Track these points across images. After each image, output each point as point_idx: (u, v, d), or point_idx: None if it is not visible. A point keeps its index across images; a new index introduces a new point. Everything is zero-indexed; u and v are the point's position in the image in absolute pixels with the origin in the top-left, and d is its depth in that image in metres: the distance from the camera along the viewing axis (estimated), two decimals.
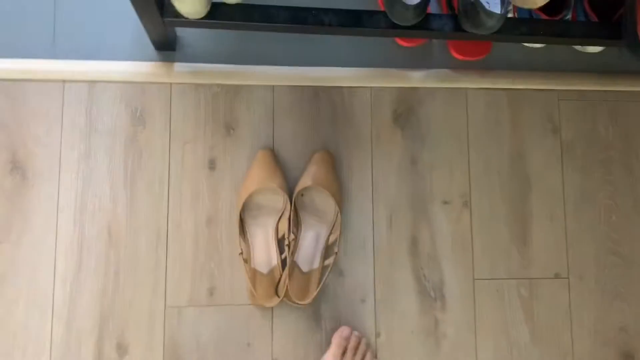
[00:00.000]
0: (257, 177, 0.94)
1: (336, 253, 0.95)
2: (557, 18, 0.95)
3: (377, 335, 0.97)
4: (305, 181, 0.95)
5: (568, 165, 1.05)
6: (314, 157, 0.98)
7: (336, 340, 0.93)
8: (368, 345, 0.96)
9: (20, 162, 0.94)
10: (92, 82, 0.97)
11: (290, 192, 0.96)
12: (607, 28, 0.94)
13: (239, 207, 0.93)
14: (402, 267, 0.99)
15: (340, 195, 0.98)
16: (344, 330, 0.93)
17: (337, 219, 0.96)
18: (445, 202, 1.01)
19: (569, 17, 0.96)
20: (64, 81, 0.97)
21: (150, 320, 0.93)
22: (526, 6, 0.72)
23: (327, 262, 0.96)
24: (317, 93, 1.02)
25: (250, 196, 0.94)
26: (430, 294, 0.99)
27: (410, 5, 0.82)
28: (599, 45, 0.98)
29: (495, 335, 0.99)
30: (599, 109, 1.07)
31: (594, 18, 0.96)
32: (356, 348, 0.94)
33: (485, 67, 1.05)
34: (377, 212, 1.00)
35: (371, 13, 0.89)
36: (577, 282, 1.02)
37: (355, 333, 0.94)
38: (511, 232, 1.02)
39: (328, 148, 1.00)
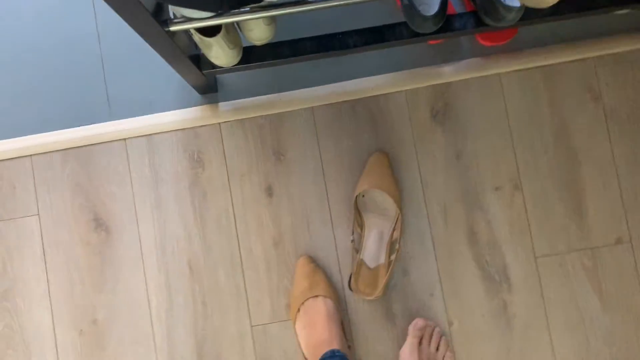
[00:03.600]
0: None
1: (398, 249, 1.01)
2: None
3: (450, 324, 1.03)
4: (362, 185, 1.01)
5: (614, 131, 1.05)
6: (369, 160, 1.03)
7: (412, 331, 0.99)
8: (442, 333, 1.01)
9: (102, 219, 1.05)
10: (149, 136, 1.06)
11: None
12: None
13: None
14: (463, 257, 1.04)
15: (397, 192, 1.02)
16: (418, 322, 0.99)
17: (397, 216, 1.01)
18: (497, 189, 1.04)
19: None
20: (124, 139, 1.06)
21: (240, 340, 1.03)
22: (538, 6, 0.74)
23: (392, 257, 1.01)
24: (353, 106, 1.06)
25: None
26: (495, 278, 1.03)
27: (429, 16, 0.85)
28: (626, 8, 0.97)
29: (565, 309, 1.02)
30: (637, 69, 1.06)
31: None
32: (431, 336, 0.99)
33: (515, 49, 1.06)
34: (430, 209, 1.05)
35: (392, 26, 0.92)
36: None
37: (430, 322, 1.00)
38: (566, 206, 1.04)
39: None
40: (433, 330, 1.00)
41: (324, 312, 0.94)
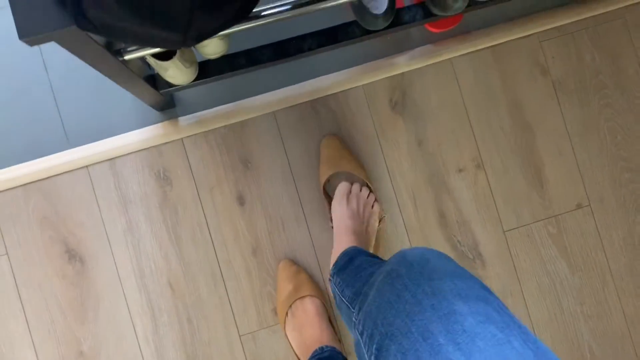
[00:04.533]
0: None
1: (382, 218, 1.02)
2: None
3: None
4: (323, 172, 1.02)
5: (564, 101, 1.10)
6: (320, 148, 1.05)
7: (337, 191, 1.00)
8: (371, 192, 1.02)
9: (74, 249, 1.03)
10: (111, 160, 1.04)
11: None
12: None
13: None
14: (436, 239, 1.07)
15: (360, 166, 1.04)
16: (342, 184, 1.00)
17: (369, 188, 1.03)
18: (460, 170, 1.08)
19: None
20: (86, 166, 1.04)
21: (231, 351, 1.04)
22: None
23: (380, 225, 1.03)
24: (314, 106, 1.07)
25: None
26: (469, 256, 1.07)
27: (379, 14, 0.86)
28: None
29: (536, 276, 1.07)
30: (579, 39, 1.11)
31: None
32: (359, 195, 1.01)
33: (463, 32, 1.09)
34: (400, 197, 1.07)
35: (345, 26, 0.93)
36: (599, 206, 1.09)
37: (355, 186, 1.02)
38: (527, 179, 1.09)
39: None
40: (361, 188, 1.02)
41: (312, 312, 0.96)
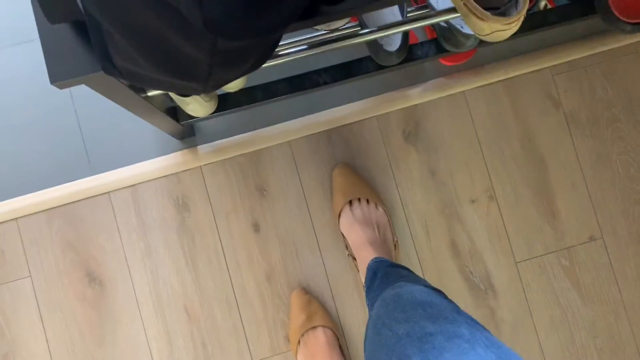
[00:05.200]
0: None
1: (396, 243, 1.03)
2: (530, 10, 0.99)
3: None
4: (337, 201, 1.04)
5: (576, 134, 1.11)
6: (333, 177, 1.07)
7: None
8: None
9: (94, 273, 1.06)
10: (132, 186, 1.08)
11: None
12: (581, 6, 0.98)
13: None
14: (448, 270, 1.08)
15: (374, 193, 1.06)
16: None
17: (387, 216, 1.04)
18: (473, 201, 1.09)
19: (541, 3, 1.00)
20: (108, 192, 1.08)
21: None
22: (494, 41, 0.78)
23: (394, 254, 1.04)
24: (329, 136, 1.10)
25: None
26: (480, 287, 1.08)
27: (393, 51, 0.89)
28: (578, 23, 1.03)
29: (548, 307, 1.08)
30: (592, 73, 1.12)
31: None
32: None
33: (476, 65, 1.11)
34: (412, 227, 1.09)
35: (359, 61, 0.96)
36: (612, 238, 1.09)
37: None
38: (539, 211, 1.09)
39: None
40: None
41: (324, 342, 0.98)
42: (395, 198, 1.09)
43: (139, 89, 0.75)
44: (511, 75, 1.11)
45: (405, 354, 0.52)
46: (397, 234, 1.08)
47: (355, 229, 0.99)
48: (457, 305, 0.62)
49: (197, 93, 0.53)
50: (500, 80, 1.11)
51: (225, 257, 1.07)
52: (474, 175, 1.10)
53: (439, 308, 0.59)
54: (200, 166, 1.09)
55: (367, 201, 1.02)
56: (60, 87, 0.59)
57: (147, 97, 0.77)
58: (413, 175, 1.10)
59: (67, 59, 0.57)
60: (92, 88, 0.63)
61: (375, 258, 0.92)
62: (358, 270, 0.99)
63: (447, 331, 0.52)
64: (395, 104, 1.10)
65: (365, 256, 0.95)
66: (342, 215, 1.02)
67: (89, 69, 0.57)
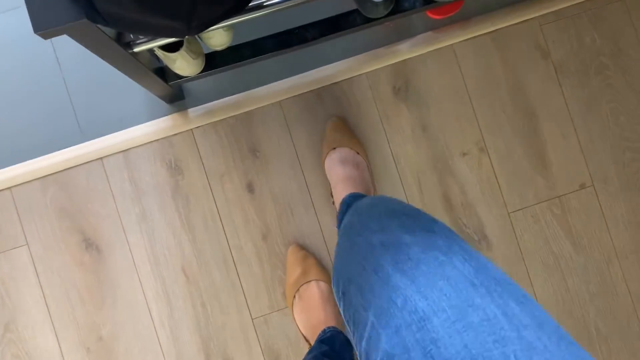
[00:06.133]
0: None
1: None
2: None
3: None
4: (326, 148, 1.04)
5: (565, 83, 1.11)
6: (326, 127, 1.07)
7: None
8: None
9: (91, 238, 1.07)
10: (125, 151, 1.08)
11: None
12: None
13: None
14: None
15: (361, 146, 1.06)
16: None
17: (369, 166, 1.05)
18: (464, 154, 1.10)
19: None
20: (101, 158, 1.08)
21: (244, 334, 1.07)
22: None
23: None
24: (319, 94, 1.10)
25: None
26: (474, 238, 1.09)
27: (379, 1, 0.89)
28: None
29: (541, 256, 1.09)
30: (579, 22, 1.12)
31: None
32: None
33: (464, 18, 1.11)
34: (405, 181, 1.10)
35: (347, 15, 0.96)
36: (602, 186, 1.10)
37: None
38: (530, 161, 1.10)
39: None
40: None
41: (318, 295, 0.99)
42: (387, 154, 1.10)
43: (125, 45, 0.74)
44: (499, 26, 1.11)
45: (379, 263, 0.49)
46: (389, 189, 1.09)
47: (335, 168, 0.99)
48: (433, 217, 0.58)
49: (182, 36, 0.53)
50: (488, 33, 1.11)
51: (220, 219, 1.08)
52: (465, 128, 1.10)
53: (414, 218, 0.56)
54: (191, 129, 1.09)
55: (351, 150, 1.03)
56: (45, 37, 0.59)
57: (134, 52, 0.76)
58: (404, 131, 1.10)
59: (50, 7, 0.57)
60: (75, 39, 0.62)
61: (352, 193, 0.91)
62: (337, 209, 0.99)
63: (423, 242, 0.50)
64: (384, 60, 1.10)
65: (341, 191, 0.94)
66: (326, 160, 1.02)
67: (73, 16, 0.57)
